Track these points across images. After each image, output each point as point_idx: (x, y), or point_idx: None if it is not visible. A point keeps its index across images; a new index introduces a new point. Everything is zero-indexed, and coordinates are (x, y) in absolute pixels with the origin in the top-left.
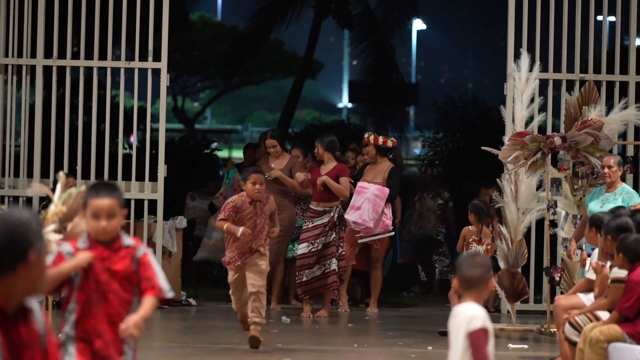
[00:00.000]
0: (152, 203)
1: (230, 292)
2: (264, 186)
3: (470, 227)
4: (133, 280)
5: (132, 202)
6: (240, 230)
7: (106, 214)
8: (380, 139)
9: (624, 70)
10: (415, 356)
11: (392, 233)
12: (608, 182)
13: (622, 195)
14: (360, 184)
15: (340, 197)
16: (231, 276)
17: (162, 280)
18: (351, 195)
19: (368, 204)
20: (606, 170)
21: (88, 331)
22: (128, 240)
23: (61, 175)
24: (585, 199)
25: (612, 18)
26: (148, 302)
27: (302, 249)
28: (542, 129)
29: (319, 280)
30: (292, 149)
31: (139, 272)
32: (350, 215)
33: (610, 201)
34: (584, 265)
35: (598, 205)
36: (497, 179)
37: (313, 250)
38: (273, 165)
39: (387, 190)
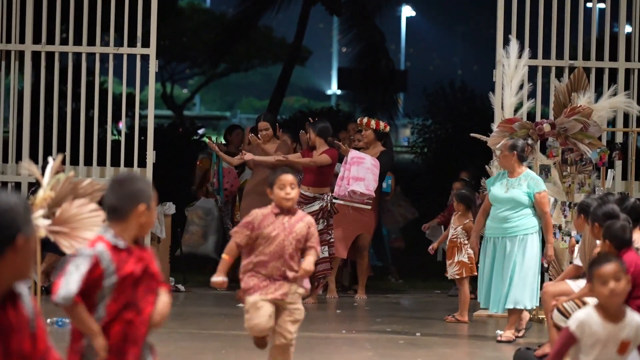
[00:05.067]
0: None
1: (247, 314)
2: (296, 190)
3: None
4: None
5: None
6: (213, 279)
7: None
8: (382, 124)
9: (613, 57)
10: (403, 342)
11: (369, 207)
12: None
13: (527, 181)
14: (355, 153)
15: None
16: (253, 299)
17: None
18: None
19: (370, 174)
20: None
21: (120, 339)
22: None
23: (56, 158)
24: (487, 184)
25: (601, 5)
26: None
27: None
28: (531, 115)
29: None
30: (281, 134)
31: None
32: (356, 187)
33: (515, 186)
34: (572, 252)
35: (502, 190)
36: (486, 166)
37: None
38: (265, 149)
39: (378, 162)
